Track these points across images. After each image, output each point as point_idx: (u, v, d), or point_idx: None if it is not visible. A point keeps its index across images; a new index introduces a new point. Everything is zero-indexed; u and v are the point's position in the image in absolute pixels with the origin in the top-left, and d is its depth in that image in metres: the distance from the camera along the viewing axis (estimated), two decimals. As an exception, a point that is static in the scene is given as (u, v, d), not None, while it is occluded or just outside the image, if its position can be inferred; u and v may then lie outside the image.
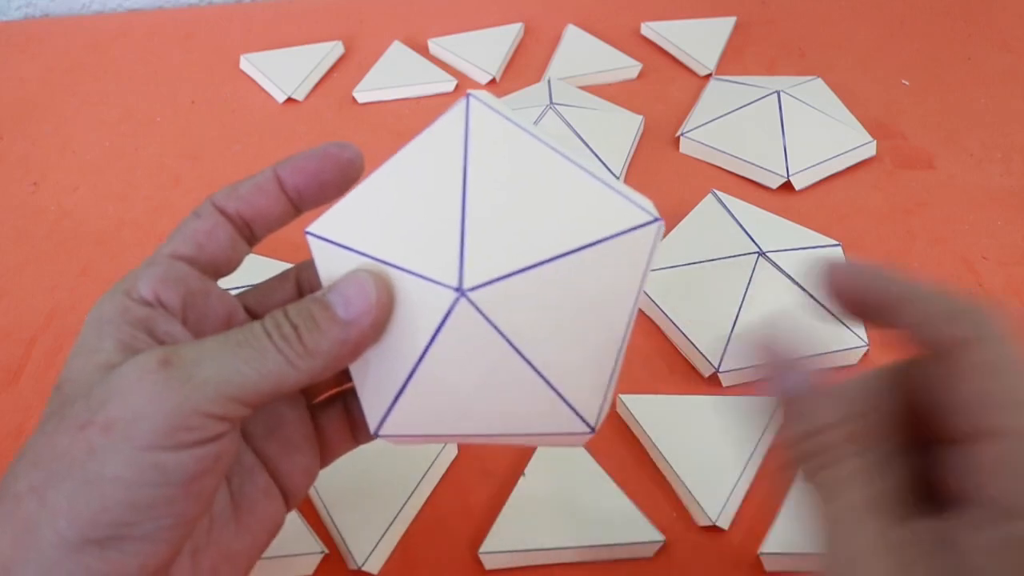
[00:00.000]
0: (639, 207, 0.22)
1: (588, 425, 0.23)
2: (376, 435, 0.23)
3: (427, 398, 0.22)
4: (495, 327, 0.21)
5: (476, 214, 0.22)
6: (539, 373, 0.22)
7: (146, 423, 0.19)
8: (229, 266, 0.24)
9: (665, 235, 0.45)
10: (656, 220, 0.22)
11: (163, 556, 0.20)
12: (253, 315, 0.25)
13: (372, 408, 0.23)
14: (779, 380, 0.21)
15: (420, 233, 0.22)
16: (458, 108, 0.23)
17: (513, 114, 0.23)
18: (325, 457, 0.27)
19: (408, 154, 0.23)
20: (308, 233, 0.23)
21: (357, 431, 0.27)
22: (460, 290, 0.21)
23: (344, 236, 0.23)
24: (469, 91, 0.24)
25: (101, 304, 0.22)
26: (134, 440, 0.19)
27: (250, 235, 0.24)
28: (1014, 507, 0.17)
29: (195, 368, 0.20)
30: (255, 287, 0.26)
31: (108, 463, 0.19)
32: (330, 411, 0.27)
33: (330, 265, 0.23)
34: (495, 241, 0.21)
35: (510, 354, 0.21)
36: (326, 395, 0.27)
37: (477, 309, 0.21)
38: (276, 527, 0.25)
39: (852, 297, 0.21)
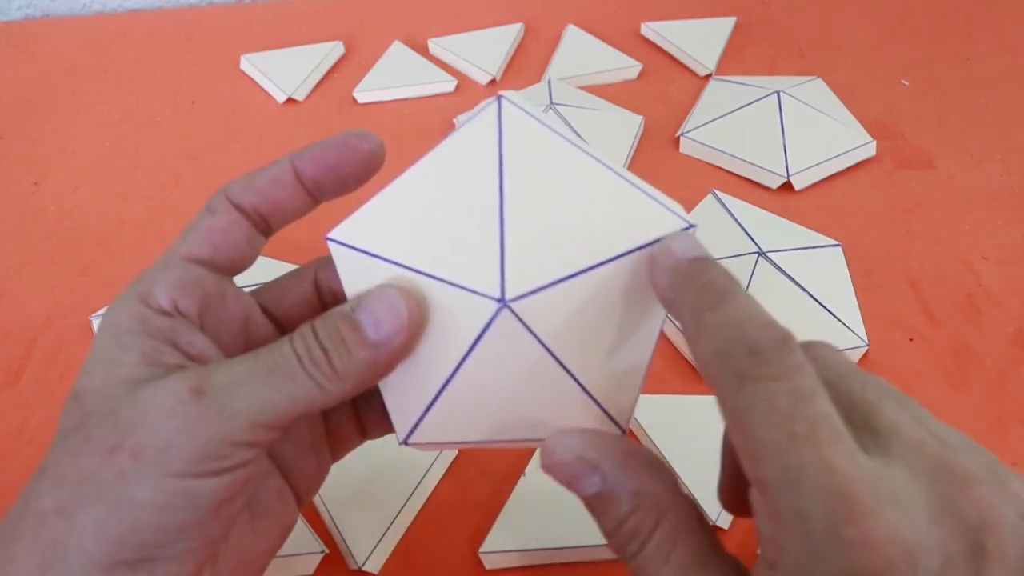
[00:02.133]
0: (674, 213, 0.22)
1: (620, 427, 0.23)
2: (405, 443, 0.23)
3: (460, 407, 0.22)
4: (536, 337, 0.21)
5: (515, 221, 0.21)
6: (576, 380, 0.22)
7: (177, 452, 0.19)
8: (245, 263, 0.24)
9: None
10: (691, 227, 0.22)
11: (189, 574, 0.20)
12: (270, 316, 0.25)
13: (402, 417, 0.23)
14: (579, 486, 0.21)
15: (455, 241, 0.21)
16: (491, 110, 0.22)
17: (544, 116, 0.23)
18: (335, 454, 0.27)
19: (439, 157, 0.22)
20: (329, 239, 0.22)
21: (366, 428, 0.27)
22: (503, 301, 0.20)
23: (370, 243, 0.21)
24: (501, 93, 0.23)
25: (116, 311, 0.21)
26: (165, 467, 0.19)
27: (267, 228, 0.24)
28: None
29: (228, 398, 0.19)
30: (269, 285, 0.26)
31: (138, 488, 0.19)
32: (340, 409, 0.26)
33: (355, 275, 0.22)
34: (535, 249, 0.21)
35: (548, 362, 0.21)
36: None
37: (519, 320, 0.21)
38: (290, 527, 0.25)
39: (661, 296, 0.21)
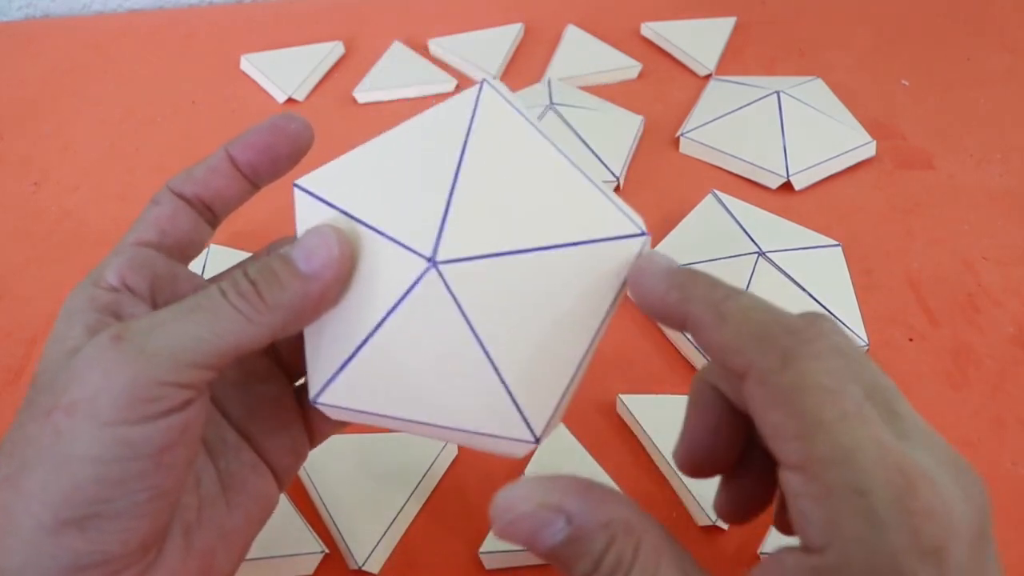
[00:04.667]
0: (628, 219, 0.22)
1: (532, 434, 0.22)
2: (314, 402, 0.23)
3: (375, 371, 0.22)
4: (460, 307, 0.21)
5: (465, 193, 0.21)
6: (494, 366, 0.21)
7: (106, 399, 0.19)
8: (194, 248, 0.24)
9: (665, 235, 0.45)
10: (643, 234, 0.22)
11: (144, 531, 0.20)
12: None
13: (317, 374, 0.23)
14: (543, 536, 0.19)
15: (405, 201, 0.22)
16: (471, 91, 0.23)
17: (526, 109, 0.23)
18: (314, 437, 0.27)
19: (412, 125, 0.23)
20: (296, 185, 0.23)
21: None
22: (433, 260, 0.21)
23: (329, 193, 0.23)
24: (485, 78, 0.24)
25: (71, 297, 0.22)
26: (98, 417, 0.19)
27: (212, 217, 0.25)
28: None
29: (147, 339, 0.20)
30: (226, 271, 0.26)
31: (75, 443, 0.19)
32: None
33: (309, 219, 0.23)
34: (477, 222, 0.21)
35: (469, 340, 0.21)
36: None
37: (445, 284, 0.21)
38: (269, 504, 0.25)
39: (661, 312, 0.21)
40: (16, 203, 0.52)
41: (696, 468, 0.23)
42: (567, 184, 0.22)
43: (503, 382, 0.21)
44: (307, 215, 0.23)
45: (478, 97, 0.23)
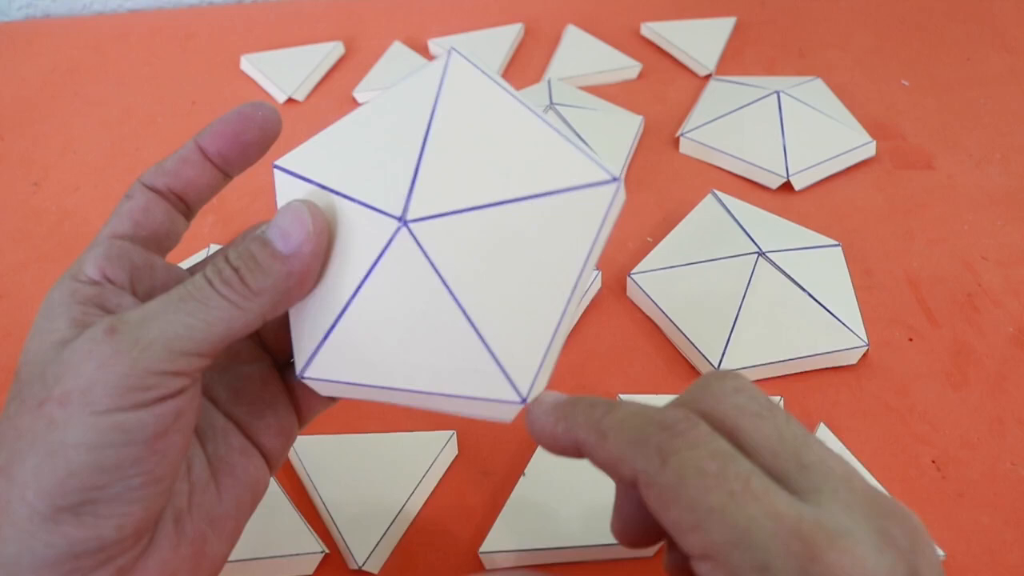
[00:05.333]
0: (598, 166, 0.21)
1: (518, 393, 0.21)
2: (301, 377, 0.23)
3: (357, 340, 0.22)
4: (433, 265, 0.21)
5: (433, 155, 0.22)
6: (472, 324, 0.21)
7: (100, 388, 0.19)
8: (170, 240, 0.24)
9: (665, 235, 0.45)
10: (613, 180, 0.21)
11: (138, 517, 0.20)
12: None
13: (301, 349, 0.23)
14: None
15: (376, 168, 0.22)
16: (439, 60, 0.23)
17: (495, 74, 0.23)
18: (302, 417, 0.27)
19: (384, 98, 0.24)
20: (275, 166, 0.24)
21: None
22: (403, 220, 0.21)
23: (306, 169, 0.23)
24: (453, 47, 0.23)
25: (51, 292, 0.22)
26: (92, 406, 0.19)
27: (186, 209, 0.25)
28: None
29: (140, 330, 0.20)
30: (204, 260, 0.26)
31: (69, 431, 0.19)
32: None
33: (287, 196, 0.23)
34: (447, 181, 0.22)
35: (445, 298, 0.21)
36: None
37: (417, 242, 0.21)
38: (259, 487, 0.25)
39: (553, 445, 0.21)
40: (16, 203, 0.52)
41: (632, 542, 0.23)
42: (536, 138, 0.22)
43: (483, 340, 0.21)
44: (286, 192, 0.24)
45: (446, 65, 0.23)
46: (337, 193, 0.22)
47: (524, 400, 0.21)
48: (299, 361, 0.23)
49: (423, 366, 0.22)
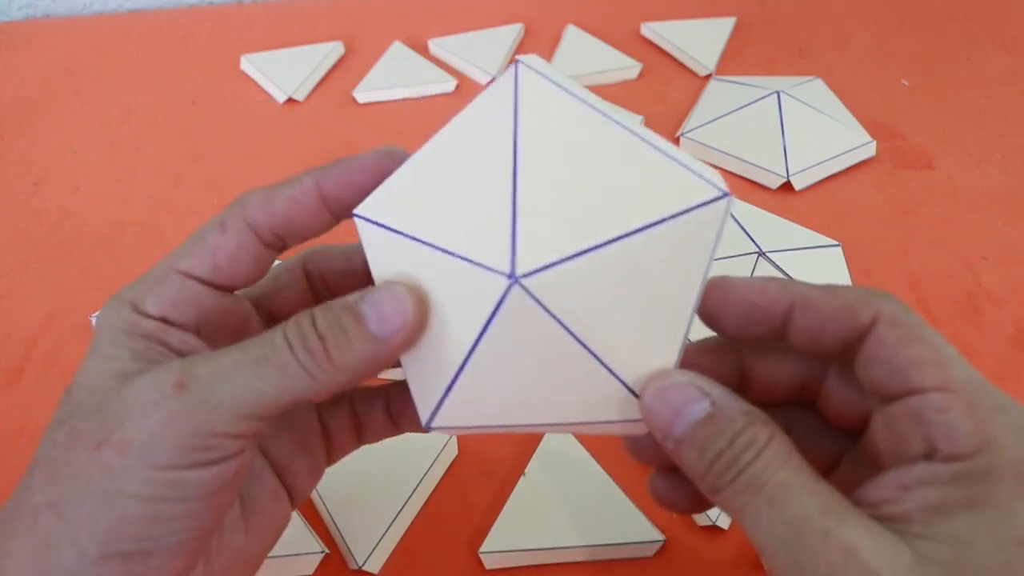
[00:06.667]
0: (707, 181, 0.20)
1: None
2: (428, 428, 0.22)
3: (480, 388, 0.21)
4: (552, 314, 0.20)
5: (528, 192, 0.20)
6: (599, 359, 0.21)
7: (161, 445, 0.19)
8: (248, 283, 0.23)
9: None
10: (725, 196, 0.20)
11: (182, 564, 0.20)
12: (264, 312, 0.25)
13: (423, 400, 0.22)
14: (687, 411, 0.20)
15: (469, 214, 0.20)
16: (507, 76, 0.22)
17: (567, 81, 0.22)
18: (330, 457, 0.26)
19: (456, 127, 0.22)
20: (356, 215, 0.22)
21: (362, 432, 0.26)
22: (513, 276, 0.19)
23: (391, 217, 0.21)
24: (519, 57, 0.22)
25: (109, 311, 0.21)
26: (151, 460, 0.19)
27: (281, 246, 0.23)
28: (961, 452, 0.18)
29: (210, 391, 0.19)
30: (262, 282, 0.25)
31: (126, 481, 0.19)
32: (337, 411, 0.26)
33: (379, 250, 0.21)
34: (550, 221, 0.20)
35: (568, 341, 0.20)
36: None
37: (532, 296, 0.20)
38: (282, 527, 0.25)
39: (745, 313, 0.22)
40: (16, 203, 0.52)
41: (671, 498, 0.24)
42: (632, 156, 0.21)
43: (612, 372, 0.21)
44: (376, 246, 0.22)
45: (516, 79, 0.21)
46: (435, 247, 0.20)
47: None
48: (423, 413, 0.22)
49: (552, 402, 0.21)
